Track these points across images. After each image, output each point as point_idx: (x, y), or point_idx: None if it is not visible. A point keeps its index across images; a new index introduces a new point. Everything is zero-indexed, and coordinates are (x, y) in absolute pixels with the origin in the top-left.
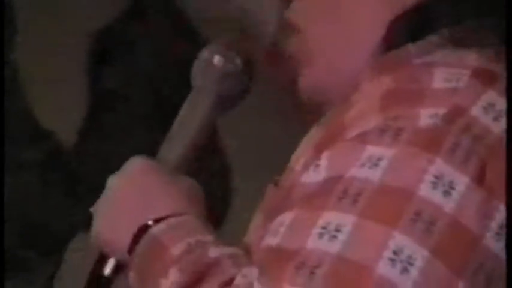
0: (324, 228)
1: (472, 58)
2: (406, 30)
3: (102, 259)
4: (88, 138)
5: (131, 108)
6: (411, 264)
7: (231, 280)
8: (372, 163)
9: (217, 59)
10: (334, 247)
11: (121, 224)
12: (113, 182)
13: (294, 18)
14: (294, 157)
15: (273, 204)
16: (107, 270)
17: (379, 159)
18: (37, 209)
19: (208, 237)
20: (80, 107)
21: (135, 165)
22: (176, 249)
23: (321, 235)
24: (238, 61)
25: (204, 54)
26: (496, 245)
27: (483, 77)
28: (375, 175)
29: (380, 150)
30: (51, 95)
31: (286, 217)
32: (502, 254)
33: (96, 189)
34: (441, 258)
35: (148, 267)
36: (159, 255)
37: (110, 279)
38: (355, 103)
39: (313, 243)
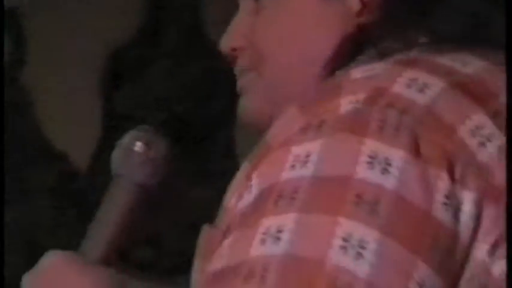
0: (264, 234)
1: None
2: (346, 54)
3: None
4: (101, 160)
5: None
6: (364, 248)
7: None
8: (301, 162)
9: (138, 146)
10: (280, 248)
11: None
12: (27, 280)
13: (238, 43)
14: (226, 197)
15: (211, 245)
16: None
17: (308, 155)
18: (48, 236)
19: None
20: (94, 128)
21: (49, 261)
22: None
23: (263, 241)
24: (162, 148)
25: (125, 140)
26: (445, 216)
27: (403, 62)
28: (307, 171)
29: (306, 147)
30: (64, 116)
31: (225, 243)
32: (453, 226)
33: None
34: (393, 237)
35: None
36: None
37: None
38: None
39: (257, 250)
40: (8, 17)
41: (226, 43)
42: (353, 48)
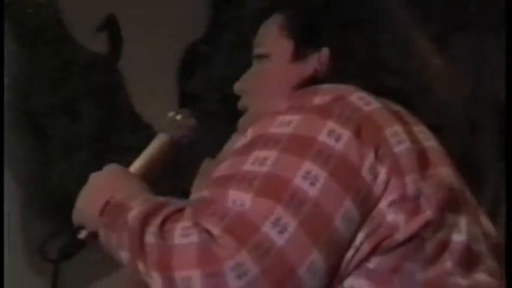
0: (255, 159)
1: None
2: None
3: (78, 228)
4: None
5: (206, 106)
6: (317, 181)
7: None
8: (284, 124)
9: (179, 116)
10: (264, 168)
11: (94, 201)
12: (93, 176)
13: (243, 87)
14: (224, 148)
15: (207, 170)
16: (82, 235)
17: (290, 122)
18: None
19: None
20: (171, 105)
21: (109, 168)
22: (135, 203)
23: (253, 163)
24: (192, 123)
25: (172, 112)
26: (368, 177)
27: (358, 88)
28: (288, 130)
29: (289, 117)
30: (149, 96)
31: (225, 163)
32: (372, 184)
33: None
34: (335, 179)
35: (114, 218)
36: (122, 209)
37: (83, 242)
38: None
39: (248, 167)
40: (110, 21)
41: (235, 86)
42: (313, 84)
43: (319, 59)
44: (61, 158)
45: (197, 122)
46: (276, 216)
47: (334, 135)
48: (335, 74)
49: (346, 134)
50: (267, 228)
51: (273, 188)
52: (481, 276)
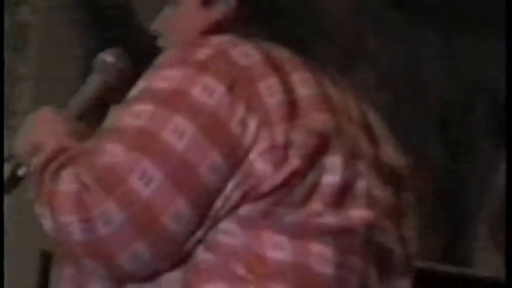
0: (133, 113)
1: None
2: (213, 33)
3: (18, 165)
4: None
5: None
6: (184, 134)
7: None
8: (165, 79)
9: (109, 58)
10: (138, 122)
11: (23, 142)
12: (27, 119)
13: (157, 27)
14: (128, 95)
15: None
16: (21, 172)
17: (170, 77)
18: None
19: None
20: None
21: (41, 111)
22: (46, 147)
23: (130, 117)
24: (125, 63)
25: (104, 53)
26: (238, 130)
27: (245, 40)
28: (166, 84)
29: (169, 71)
30: None
31: (114, 114)
32: (241, 136)
33: None
34: (203, 132)
35: (30, 158)
36: (35, 151)
37: (21, 178)
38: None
39: (125, 120)
40: None
41: (151, 26)
42: (218, 31)
43: (227, 6)
44: None
45: (131, 64)
46: (142, 169)
47: (207, 90)
48: (240, 22)
49: (219, 89)
50: (133, 180)
51: (142, 141)
52: (355, 211)
